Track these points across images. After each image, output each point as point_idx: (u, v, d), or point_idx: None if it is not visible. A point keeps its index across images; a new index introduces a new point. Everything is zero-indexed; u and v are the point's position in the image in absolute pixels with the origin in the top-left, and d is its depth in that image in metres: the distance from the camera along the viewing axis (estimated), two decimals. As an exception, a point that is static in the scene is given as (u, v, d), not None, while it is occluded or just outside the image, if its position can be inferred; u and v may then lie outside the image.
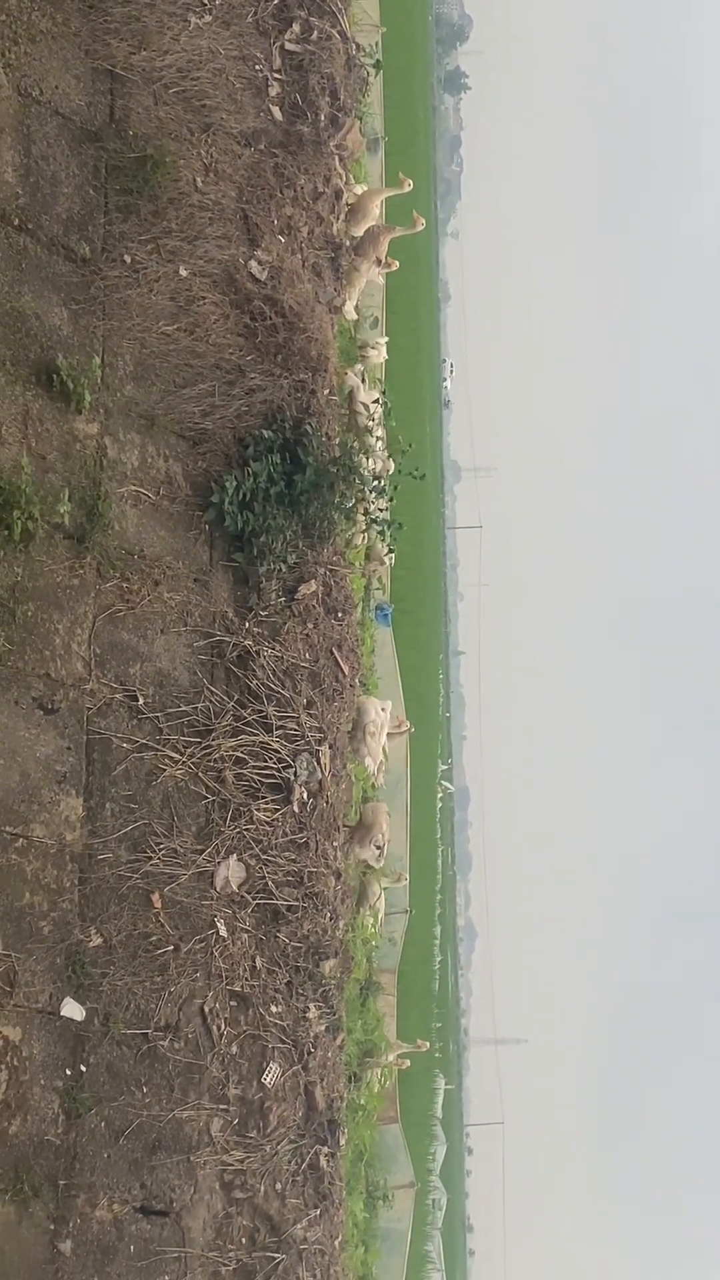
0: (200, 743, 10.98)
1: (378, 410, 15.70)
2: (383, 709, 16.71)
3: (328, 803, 11.97)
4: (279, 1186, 11.02)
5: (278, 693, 11.71)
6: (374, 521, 13.80)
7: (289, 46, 13.69)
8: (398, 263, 17.10)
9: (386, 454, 15.00)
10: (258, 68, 13.26)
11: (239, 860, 11.06)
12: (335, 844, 12.16)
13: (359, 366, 19.09)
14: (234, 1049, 10.81)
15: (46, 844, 9.60)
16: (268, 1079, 10.99)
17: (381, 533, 14.27)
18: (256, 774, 11.39)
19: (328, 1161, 11.55)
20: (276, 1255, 10.88)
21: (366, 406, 15.42)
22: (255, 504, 11.76)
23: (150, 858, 10.36)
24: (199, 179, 12.16)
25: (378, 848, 16.37)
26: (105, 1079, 9.71)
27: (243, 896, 11.05)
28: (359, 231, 15.77)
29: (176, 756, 10.75)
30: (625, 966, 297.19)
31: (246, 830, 11.17)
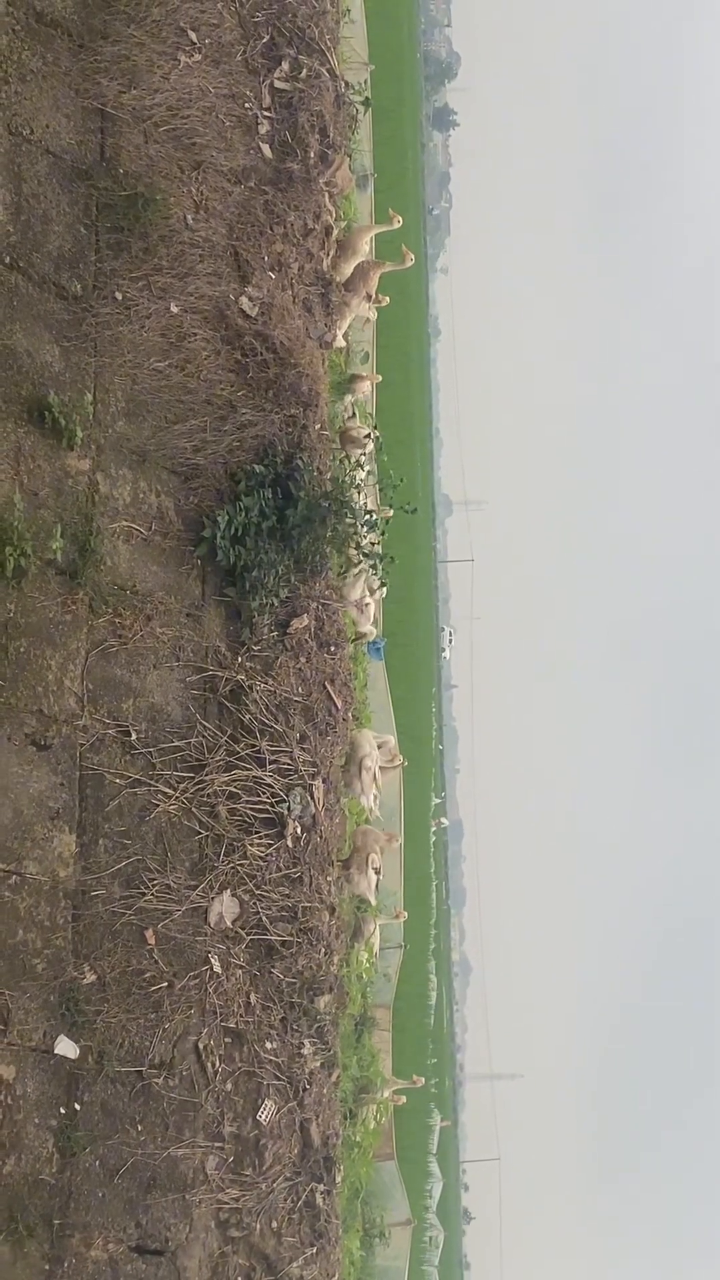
0: (193, 778, 10.96)
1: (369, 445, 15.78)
2: (379, 744, 16.69)
3: (321, 837, 11.94)
4: (275, 1225, 10.93)
5: (270, 727, 11.70)
6: (365, 555, 13.82)
7: (278, 84, 13.80)
8: (388, 298, 17.17)
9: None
10: (247, 105, 13.36)
11: (233, 896, 11.02)
12: (329, 878, 12.12)
13: (349, 398, 19.18)
14: (229, 1086, 10.74)
15: (39, 881, 9.57)
16: (263, 1116, 10.91)
17: (374, 566, 14.30)
18: (250, 809, 11.36)
19: (324, 1199, 11.46)
20: (273, 1294, 10.79)
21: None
22: (247, 539, 11.78)
23: (144, 894, 10.32)
24: (189, 216, 12.24)
25: (375, 870, 16.31)
26: (99, 1117, 9.64)
27: (237, 932, 11.00)
28: (349, 267, 15.83)
29: (169, 792, 10.72)
30: (621, 1000, 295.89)
31: (240, 865, 11.13)
